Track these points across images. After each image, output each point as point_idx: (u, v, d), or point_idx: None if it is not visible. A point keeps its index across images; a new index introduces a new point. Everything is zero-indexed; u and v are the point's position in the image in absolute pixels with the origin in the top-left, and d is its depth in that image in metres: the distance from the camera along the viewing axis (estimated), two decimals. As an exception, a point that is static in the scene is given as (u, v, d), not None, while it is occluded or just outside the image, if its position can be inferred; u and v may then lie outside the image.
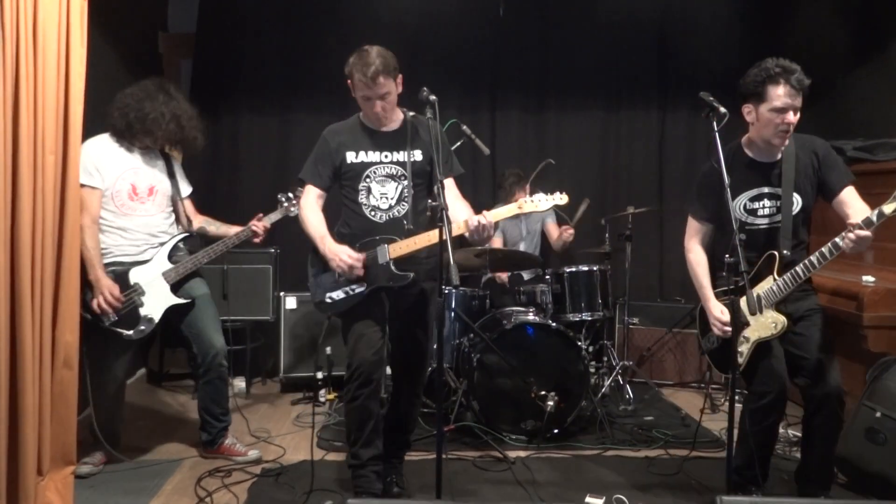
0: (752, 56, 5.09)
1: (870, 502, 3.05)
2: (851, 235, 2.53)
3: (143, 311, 3.23)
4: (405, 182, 2.95)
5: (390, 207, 2.95)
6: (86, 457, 3.25)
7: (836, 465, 3.31)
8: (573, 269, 4.29)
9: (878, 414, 3.13)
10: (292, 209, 3.50)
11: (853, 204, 2.76)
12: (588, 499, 2.88)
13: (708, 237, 3.03)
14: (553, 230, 4.87)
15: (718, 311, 2.88)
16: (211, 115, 5.08)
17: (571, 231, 4.52)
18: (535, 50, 5.22)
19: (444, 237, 2.51)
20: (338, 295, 2.97)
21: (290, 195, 3.52)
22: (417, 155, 2.98)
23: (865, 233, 2.52)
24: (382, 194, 2.96)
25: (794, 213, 2.82)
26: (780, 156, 2.84)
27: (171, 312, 3.31)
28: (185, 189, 3.50)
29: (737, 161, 2.85)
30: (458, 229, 2.80)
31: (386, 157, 2.98)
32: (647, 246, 5.14)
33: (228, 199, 5.07)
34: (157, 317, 3.25)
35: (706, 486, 3.22)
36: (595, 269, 4.30)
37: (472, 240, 2.86)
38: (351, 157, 2.97)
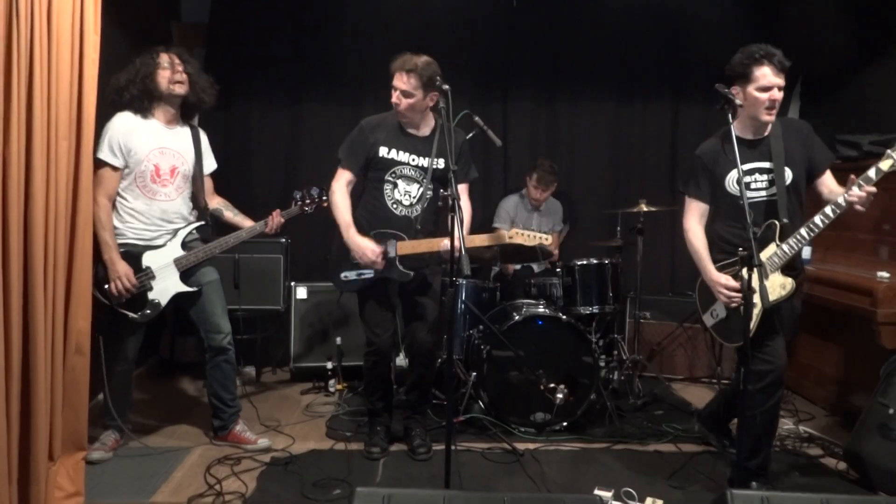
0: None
1: (880, 498, 3.03)
2: (856, 189, 2.72)
3: (151, 296, 3.25)
4: (425, 185, 3.31)
5: (411, 205, 3.33)
6: (97, 442, 3.27)
7: (846, 461, 3.31)
8: (584, 262, 4.27)
9: (892, 410, 3.11)
10: (307, 208, 3.51)
11: (831, 186, 3.00)
12: (597, 491, 2.88)
13: (706, 217, 3.17)
14: (554, 239, 4.92)
15: (724, 279, 2.98)
16: (223, 104, 5.09)
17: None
18: (547, 41, 5.19)
19: (455, 227, 2.58)
20: (351, 275, 3.36)
21: (306, 192, 3.52)
22: (440, 163, 3.30)
23: (872, 188, 2.72)
24: (406, 192, 3.33)
25: (786, 184, 2.97)
26: (767, 133, 3.01)
27: (180, 299, 3.33)
28: (209, 165, 3.51)
29: (728, 140, 2.93)
30: (430, 245, 3.20)
31: (413, 160, 3.33)
32: (658, 240, 5.11)
33: (240, 189, 5.06)
34: (163, 302, 3.27)
35: (714, 480, 3.21)
36: (606, 262, 4.29)
37: (444, 256, 3.17)
38: (384, 151, 3.31)
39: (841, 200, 2.78)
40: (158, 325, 4.72)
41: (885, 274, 3.58)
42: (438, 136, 3.29)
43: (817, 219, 2.83)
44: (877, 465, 3.10)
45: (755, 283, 2.66)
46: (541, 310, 3.98)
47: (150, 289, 3.25)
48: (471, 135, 3.72)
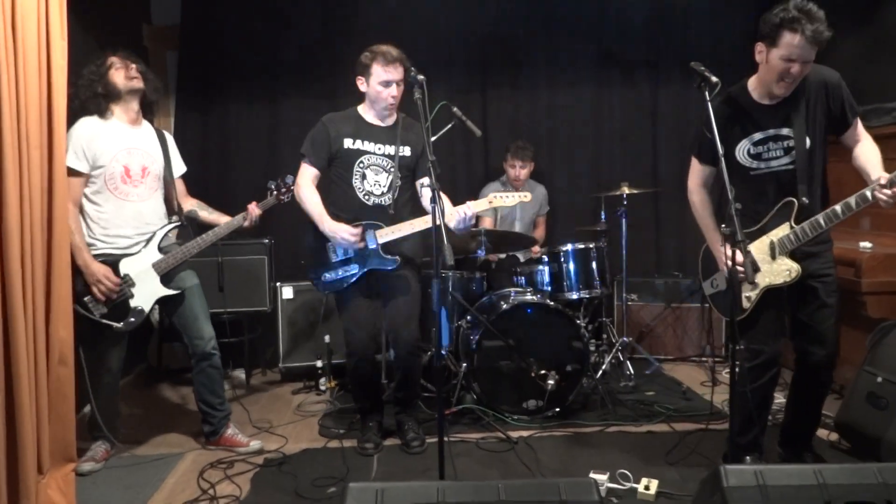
0: (745, 27, 5.14)
1: (870, 465, 3.04)
2: (887, 192, 2.45)
3: (133, 303, 3.20)
4: (393, 173, 3.31)
5: (382, 194, 3.33)
6: (86, 454, 3.23)
7: (838, 431, 3.33)
8: (570, 247, 4.27)
9: (880, 379, 3.13)
10: (283, 196, 3.47)
11: (861, 140, 2.73)
12: (592, 474, 2.88)
13: (711, 179, 2.99)
14: (540, 224, 4.94)
15: (730, 253, 2.72)
16: (198, 106, 5.06)
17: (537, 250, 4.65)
18: (524, 27, 5.16)
19: (437, 219, 2.58)
20: (332, 275, 3.36)
21: (280, 182, 3.47)
22: (406, 151, 3.36)
23: None
24: (376, 181, 3.32)
25: (807, 153, 2.71)
26: (788, 93, 2.69)
27: (162, 304, 3.29)
28: (179, 168, 3.46)
29: (742, 102, 2.75)
30: (412, 226, 3.21)
31: (378, 149, 3.34)
32: (643, 222, 5.12)
33: (219, 191, 5.02)
34: (147, 308, 3.23)
35: (708, 457, 3.22)
36: (592, 246, 4.29)
37: (457, 229, 3.17)
38: (348, 143, 3.32)
39: (868, 195, 2.51)
40: (145, 333, 4.68)
41: (867, 244, 3.61)
42: (403, 125, 3.36)
43: (839, 208, 2.57)
44: (867, 433, 3.12)
45: (752, 247, 2.64)
46: (528, 297, 3.97)
47: (132, 296, 3.20)
48: (449, 126, 3.71)
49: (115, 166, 3.17)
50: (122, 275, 3.19)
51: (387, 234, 3.26)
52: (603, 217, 4.64)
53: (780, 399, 3.93)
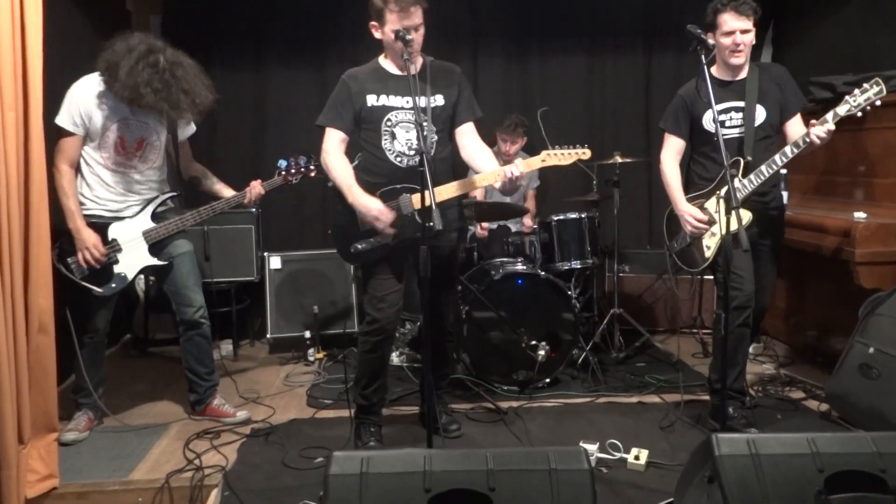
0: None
1: (864, 434, 3.04)
2: (819, 129, 2.90)
3: (116, 269, 3.14)
4: (427, 127, 2.83)
5: (416, 154, 2.81)
6: (69, 423, 3.19)
7: (828, 402, 3.32)
8: (561, 218, 4.21)
9: (871, 350, 3.11)
10: (291, 178, 3.37)
11: (799, 130, 3.14)
12: (582, 444, 2.85)
13: (681, 153, 3.36)
14: (530, 198, 4.87)
15: (691, 210, 3.20)
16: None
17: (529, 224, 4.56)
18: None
19: (427, 182, 2.45)
20: (363, 245, 2.92)
21: (293, 161, 3.38)
22: (439, 99, 2.95)
23: (831, 126, 2.91)
24: (408, 140, 2.91)
25: (757, 124, 3.14)
26: (744, 75, 3.18)
27: (151, 272, 3.22)
28: (186, 130, 3.35)
29: (703, 81, 2.92)
30: (484, 180, 2.85)
31: (407, 102, 2.91)
32: (635, 192, 5.07)
33: (205, 158, 4.90)
34: (130, 275, 3.16)
35: (699, 428, 3.21)
36: (583, 216, 4.23)
37: (503, 190, 2.86)
38: (372, 100, 2.92)
39: (800, 141, 2.97)
40: (132, 302, 4.62)
41: (861, 214, 3.56)
42: (431, 70, 2.93)
43: (777, 157, 3.01)
44: (858, 403, 3.11)
45: (709, 203, 3.15)
46: (519, 267, 3.93)
47: (117, 262, 3.14)
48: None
49: (110, 135, 3.08)
50: (110, 239, 3.12)
51: (425, 198, 2.65)
52: (595, 187, 4.58)
53: (770, 370, 3.94)
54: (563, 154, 2.88)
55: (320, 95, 5.06)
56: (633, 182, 4.98)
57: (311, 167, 3.38)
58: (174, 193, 3.30)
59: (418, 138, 2.58)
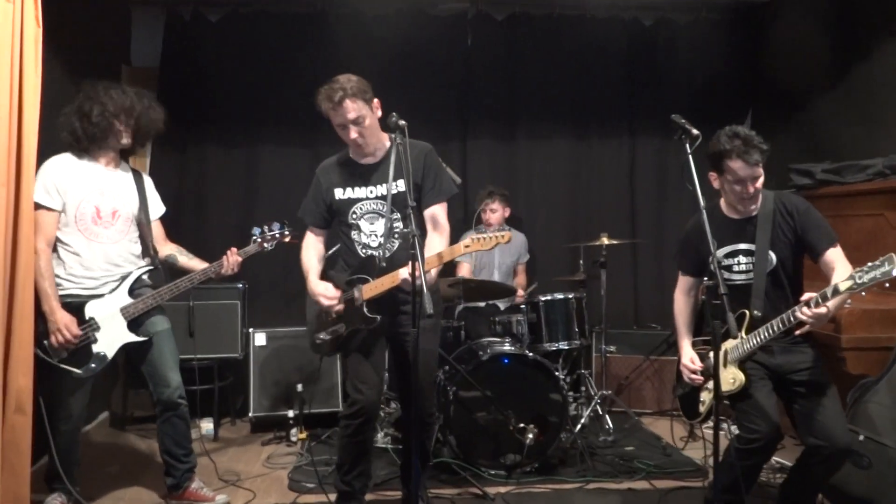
0: (722, 82, 5.24)
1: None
2: (806, 311, 2.54)
3: (95, 348, 3.06)
4: (387, 215, 2.85)
5: (380, 245, 2.89)
6: (42, 508, 3.07)
7: (822, 492, 3.26)
8: (548, 298, 4.22)
9: (861, 437, 3.08)
10: (266, 244, 3.37)
11: (836, 268, 2.71)
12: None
13: (694, 288, 3.16)
14: (521, 272, 4.89)
15: (687, 359, 3.02)
16: (176, 148, 5.00)
17: (522, 294, 4.59)
18: (504, 78, 5.22)
19: (417, 266, 2.48)
20: (324, 336, 3.00)
21: (266, 228, 3.37)
22: (400, 185, 2.86)
23: (819, 310, 2.51)
24: (371, 231, 2.95)
25: (768, 270, 2.84)
26: (755, 212, 2.88)
27: (130, 351, 3.15)
28: (157, 210, 3.36)
29: (714, 217, 2.82)
30: (392, 280, 2.74)
31: (371, 192, 2.95)
32: (621, 273, 5.11)
33: (195, 234, 4.94)
34: (110, 354, 3.09)
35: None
36: (571, 296, 4.25)
37: (404, 287, 2.71)
38: (339, 193, 2.99)
39: (792, 316, 2.61)
40: (110, 378, 4.52)
41: (847, 300, 3.60)
42: (395, 155, 2.78)
43: (775, 324, 2.69)
44: (850, 492, 3.05)
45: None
46: (507, 347, 3.90)
47: (95, 341, 3.06)
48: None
49: (85, 207, 3.07)
50: (87, 318, 3.06)
51: (371, 289, 2.82)
52: (582, 267, 4.61)
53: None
54: (485, 239, 2.73)
55: (310, 172, 5.10)
56: (620, 262, 5.03)
57: (286, 232, 3.38)
58: (150, 268, 3.26)
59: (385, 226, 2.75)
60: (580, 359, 4.59)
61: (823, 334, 3.54)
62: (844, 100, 4.40)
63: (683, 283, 3.16)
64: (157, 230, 3.37)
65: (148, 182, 3.35)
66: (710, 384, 2.87)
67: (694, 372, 2.97)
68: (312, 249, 3.09)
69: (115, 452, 4.09)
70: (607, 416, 4.33)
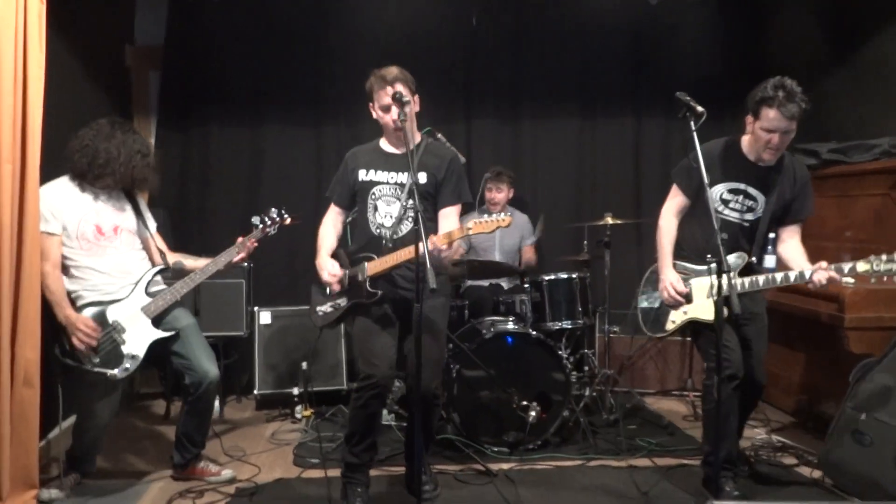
0: (728, 62, 5.21)
1: (854, 502, 3.02)
2: (824, 274, 2.79)
3: (125, 349, 3.06)
4: (407, 203, 3.02)
5: (393, 226, 3.05)
6: (52, 481, 3.10)
7: (821, 469, 3.29)
8: (552, 277, 4.23)
9: (863, 416, 3.09)
10: (269, 229, 3.38)
11: (792, 240, 3.10)
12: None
13: (684, 212, 3.21)
14: (527, 252, 4.88)
15: (673, 280, 3.10)
16: (180, 127, 5.00)
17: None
18: (508, 58, 5.19)
19: (421, 243, 2.52)
20: (326, 308, 3.16)
21: (265, 215, 3.38)
22: (422, 177, 3.04)
23: (834, 275, 2.80)
24: (387, 213, 3.08)
25: (768, 219, 3.03)
26: (771, 163, 2.99)
27: (158, 346, 3.15)
28: (152, 224, 3.39)
29: (731, 152, 2.97)
30: (396, 259, 2.93)
31: (392, 177, 3.10)
32: (626, 253, 5.09)
33: (199, 214, 4.97)
34: (141, 353, 3.08)
35: (691, 493, 3.16)
36: (574, 276, 4.25)
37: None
38: (362, 174, 3.13)
39: (807, 275, 2.83)
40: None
41: (850, 280, 3.59)
42: (424, 151, 3.08)
43: (779, 277, 2.89)
44: (852, 471, 3.08)
45: (694, 282, 2.99)
46: (510, 326, 3.92)
47: (123, 342, 3.07)
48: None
49: (84, 226, 3.09)
50: (110, 322, 3.07)
51: (376, 266, 2.99)
52: (586, 247, 4.61)
53: (761, 435, 3.91)
54: (486, 222, 2.79)
55: (315, 153, 5.13)
56: (624, 242, 5.02)
57: (285, 216, 3.40)
58: (162, 267, 3.28)
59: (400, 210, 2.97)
60: (583, 338, 4.60)
61: (826, 314, 3.55)
62: (851, 79, 4.37)
63: (678, 202, 3.20)
64: (159, 240, 3.39)
65: (141, 200, 3.37)
66: (687, 306, 3.08)
67: (680, 294, 3.06)
68: (331, 226, 3.23)
69: (122, 428, 4.13)
70: (609, 395, 4.35)
